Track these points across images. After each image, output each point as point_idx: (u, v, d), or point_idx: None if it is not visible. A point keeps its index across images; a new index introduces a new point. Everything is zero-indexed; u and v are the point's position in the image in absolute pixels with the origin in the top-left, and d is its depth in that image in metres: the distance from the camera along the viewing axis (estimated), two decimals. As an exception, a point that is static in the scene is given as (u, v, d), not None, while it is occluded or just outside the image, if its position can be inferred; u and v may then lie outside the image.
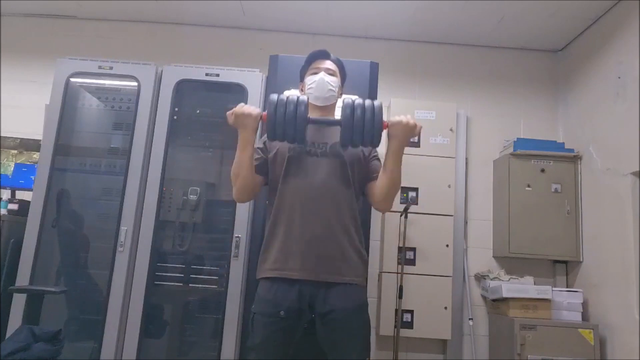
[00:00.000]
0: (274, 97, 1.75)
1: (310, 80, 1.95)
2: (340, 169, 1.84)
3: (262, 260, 1.84)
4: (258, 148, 1.93)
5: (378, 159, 1.93)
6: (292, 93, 1.84)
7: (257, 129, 1.80)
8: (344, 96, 1.86)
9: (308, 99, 1.81)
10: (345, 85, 2.09)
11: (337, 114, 2.06)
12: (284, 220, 1.80)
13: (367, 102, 1.74)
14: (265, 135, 1.96)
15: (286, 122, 1.71)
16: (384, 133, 1.78)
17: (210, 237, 2.83)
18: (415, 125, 1.76)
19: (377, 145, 1.80)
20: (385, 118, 1.78)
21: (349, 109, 1.71)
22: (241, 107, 1.78)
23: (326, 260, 1.76)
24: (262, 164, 1.90)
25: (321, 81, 1.91)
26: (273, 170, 1.89)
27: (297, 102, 1.72)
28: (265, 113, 1.76)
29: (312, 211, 1.78)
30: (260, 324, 1.75)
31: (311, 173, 1.82)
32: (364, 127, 1.70)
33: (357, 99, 1.74)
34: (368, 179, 1.89)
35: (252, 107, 1.79)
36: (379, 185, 1.83)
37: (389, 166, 1.79)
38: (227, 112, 1.80)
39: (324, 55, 2.00)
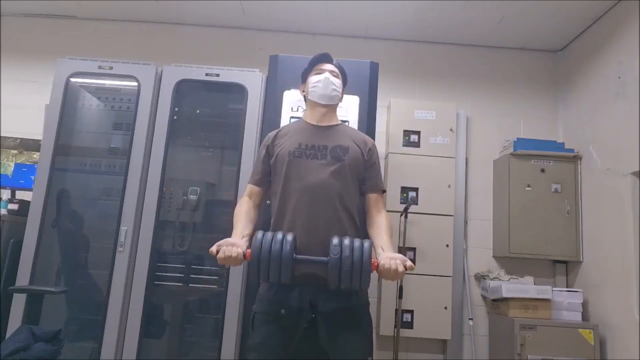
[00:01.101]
0: (259, 235, 1.64)
1: (314, 79, 1.96)
2: (341, 171, 1.85)
3: None
4: (261, 156, 1.96)
5: (376, 162, 1.96)
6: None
7: (242, 262, 1.69)
8: (332, 237, 1.68)
9: (295, 236, 1.66)
10: (346, 86, 2.09)
11: (339, 115, 2.07)
12: (285, 222, 1.81)
13: (356, 242, 1.62)
14: (268, 138, 1.97)
15: (271, 262, 1.59)
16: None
17: (210, 237, 2.82)
18: (403, 272, 1.65)
19: (367, 288, 1.69)
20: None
21: (337, 249, 1.60)
22: (223, 253, 1.66)
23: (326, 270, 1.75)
24: (265, 175, 1.94)
25: (326, 80, 1.94)
26: (274, 173, 1.91)
27: (284, 241, 1.61)
28: (249, 251, 1.65)
29: (313, 213, 1.78)
30: (261, 323, 1.75)
31: (312, 176, 1.82)
32: (353, 267, 1.57)
33: (346, 239, 1.63)
34: (366, 184, 1.92)
35: (233, 249, 1.66)
36: (371, 228, 1.87)
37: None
38: (210, 250, 1.69)
39: (327, 58, 2.03)
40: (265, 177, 1.94)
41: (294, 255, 1.62)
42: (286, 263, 1.60)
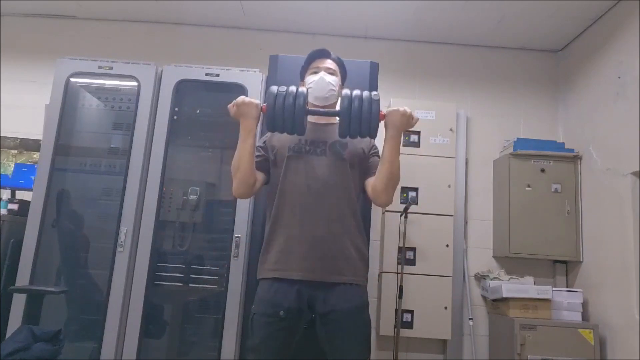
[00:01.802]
0: (274, 88, 1.76)
1: (310, 79, 1.94)
2: (340, 167, 1.84)
3: (262, 261, 1.84)
4: (259, 146, 1.92)
5: (378, 155, 1.92)
6: (293, 85, 1.84)
7: (259, 118, 1.80)
8: (343, 90, 1.85)
9: (307, 90, 1.82)
10: (345, 85, 2.09)
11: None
12: (284, 220, 1.80)
13: (365, 93, 1.76)
14: (267, 134, 1.96)
15: (285, 114, 1.73)
16: (382, 124, 1.79)
17: (210, 237, 2.83)
18: (411, 115, 1.78)
19: (375, 136, 1.79)
20: (386, 108, 1.79)
21: (347, 100, 1.74)
22: (242, 98, 1.80)
23: (326, 260, 1.75)
24: (263, 161, 1.91)
25: (321, 80, 1.91)
26: (273, 171, 1.90)
27: (296, 94, 1.74)
28: (265, 105, 1.77)
29: (312, 211, 1.78)
30: (260, 324, 1.74)
31: (311, 172, 1.82)
32: (362, 117, 1.72)
33: (356, 91, 1.76)
34: (367, 175, 1.89)
35: (252, 100, 1.80)
36: (378, 176, 1.82)
37: (387, 155, 1.78)
38: (229, 105, 1.81)
39: (324, 54, 2.00)
40: (263, 162, 1.90)
41: (306, 107, 1.75)
42: (299, 113, 1.72)
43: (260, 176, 1.88)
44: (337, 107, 2.04)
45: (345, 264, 1.78)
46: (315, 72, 1.95)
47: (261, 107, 1.79)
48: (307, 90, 1.94)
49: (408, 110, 1.77)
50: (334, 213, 1.79)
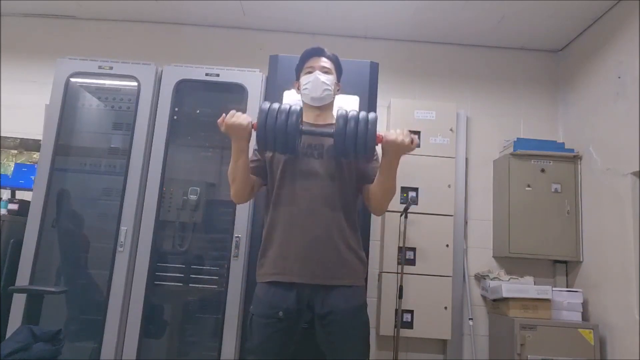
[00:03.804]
0: (266, 105, 1.67)
1: (305, 80, 1.92)
2: (337, 170, 1.83)
3: (260, 265, 1.84)
4: (255, 150, 1.91)
5: (377, 160, 1.90)
6: (289, 100, 1.81)
7: (250, 137, 1.74)
8: (338, 108, 1.77)
9: (301, 108, 1.73)
10: (345, 86, 2.08)
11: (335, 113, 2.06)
12: (281, 223, 1.79)
13: (362, 114, 1.67)
14: None
15: (277, 133, 1.63)
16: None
17: (210, 237, 2.83)
18: (410, 144, 1.69)
19: (371, 159, 1.77)
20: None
21: (342, 120, 1.65)
22: (231, 117, 1.71)
23: (324, 263, 1.75)
24: (260, 166, 1.89)
25: (316, 81, 1.89)
26: (270, 173, 1.88)
27: (289, 112, 1.64)
28: (255, 122, 1.69)
29: (309, 214, 1.77)
30: (259, 325, 1.74)
31: (308, 175, 1.81)
32: (357, 139, 1.63)
33: (352, 111, 1.67)
34: (364, 181, 1.88)
35: (242, 116, 1.71)
36: (373, 192, 1.82)
37: (382, 179, 1.77)
38: (218, 120, 1.73)
39: (318, 52, 1.97)
40: (259, 167, 1.89)
41: (300, 126, 1.65)
42: (292, 132, 1.62)
43: (257, 181, 1.88)
44: (334, 107, 2.04)
45: (343, 267, 1.78)
46: (310, 72, 1.92)
47: (252, 125, 1.70)
48: (302, 91, 1.93)
49: (407, 139, 1.69)
50: (330, 216, 1.78)
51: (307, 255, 1.74)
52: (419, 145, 3.13)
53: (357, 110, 1.69)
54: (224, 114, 1.73)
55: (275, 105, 1.66)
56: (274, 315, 1.72)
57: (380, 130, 1.72)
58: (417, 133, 3.25)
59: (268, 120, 1.63)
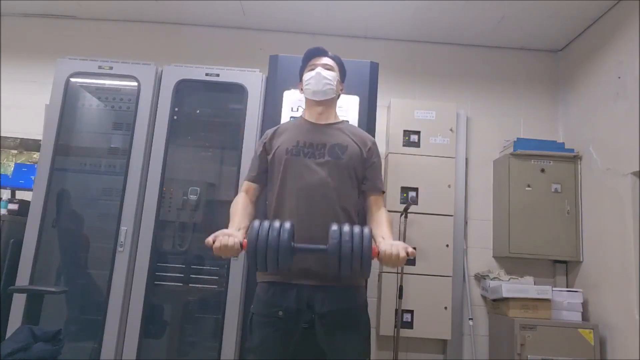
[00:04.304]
0: (255, 224, 1.58)
1: (307, 76, 1.93)
2: (339, 170, 1.82)
3: None
4: (257, 152, 1.93)
5: (376, 163, 1.93)
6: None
7: (240, 251, 1.66)
8: (331, 224, 1.62)
9: (292, 224, 1.60)
10: (346, 86, 2.08)
11: (338, 112, 2.06)
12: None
13: (356, 228, 1.57)
14: (266, 135, 1.96)
15: (268, 252, 1.53)
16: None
17: (210, 237, 2.83)
18: (405, 259, 1.62)
19: (368, 277, 1.68)
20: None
21: (336, 235, 1.55)
22: (219, 243, 1.61)
23: (324, 263, 1.74)
24: (262, 172, 1.91)
25: (318, 75, 1.89)
26: (272, 171, 1.88)
27: (281, 230, 1.55)
28: (245, 241, 1.60)
29: (310, 214, 1.76)
30: (259, 324, 1.74)
31: (309, 175, 1.80)
32: (353, 254, 1.52)
33: (345, 226, 1.58)
34: (365, 183, 1.89)
35: (230, 239, 1.62)
36: (371, 223, 1.84)
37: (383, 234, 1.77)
38: (206, 241, 1.63)
39: (320, 52, 1.98)
40: (262, 174, 1.91)
41: (292, 243, 1.57)
42: (284, 251, 1.54)
43: (260, 188, 1.92)
44: (338, 109, 2.03)
45: None
46: (312, 69, 1.93)
47: (241, 244, 1.62)
48: (305, 88, 1.93)
49: (402, 254, 1.60)
50: (332, 216, 1.77)
51: (308, 255, 1.73)
52: (417, 131, 3.18)
53: (350, 225, 1.59)
54: (211, 237, 1.63)
55: (266, 224, 1.57)
56: (274, 314, 1.72)
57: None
58: (417, 133, 3.25)
59: (259, 239, 1.54)
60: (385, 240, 1.71)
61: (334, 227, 1.58)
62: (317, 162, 1.83)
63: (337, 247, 1.54)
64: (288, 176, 1.82)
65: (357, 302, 1.79)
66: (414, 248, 3.12)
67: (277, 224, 1.57)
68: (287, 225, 1.58)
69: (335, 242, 1.54)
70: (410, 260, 3.10)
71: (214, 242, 1.61)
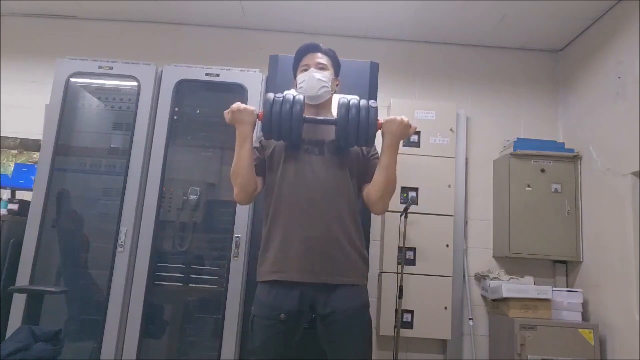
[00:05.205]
0: (270, 95, 1.77)
1: (300, 78, 1.91)
2: (338, 167, 1.82)
3: (260, 263, 1.82)
4: (255, 148, 1.89)
5: (377, 158, 1.89)
6: (290, 92, 1.83)
7: (255, 124, 1.80)
8: (339, 96, 1.86)
9: (304, 97, 1.81)
10: (345, 86, 2.07)
11: (334, 109, 2.05)
12: (281, 221, 1.78)
13: (362, 101, 1.76)
14: (261, 135, 1.95)
15: (282, 121, 1.73)
16: (379, 133, 1.79)
17: (210, 237, 2.83)
18: (409, 124, 1.79)
19: (372, 145, 1.83)
20: (384, 117, 1.79)
21: (344, 108, 1.74)
22: (237, 104, 1.81)
23: (326, 261, 1.74)
24: (260, 163, 1.88)
25: (311, 79, 1.87)
26: (270, 170, 1.87)
27: (293, 101, 1.74)
28: (261, 112, 1.78)
29: (310, 211, 1.76)
30: (260, 327, 1.73)
31: (308, 172, 1.80)
32: (359, 126, 1.72)
33: (353, 99, 1.76)
34: (365, 179, 1.87)
35: (248, 105, 1.81)
36: (374, 183, 1.81)
37: (384, 162, 1.78)
38: (225, 112, 1.81)
39: (313, 48, 1.95)
40: (260, 165, 1.88)
41: (303, 115, 1.74)
42: (296, 121, 1.72)
43: (259, 180, 1.87)
44: (333, 106, 2.03)
45: (345, 264, 1.77)
46: (305, 70, 1.91)
47: (257, 114, 1.79)
48: (299, 90, 1.92)
49: (405, 119, 1.78)
50: (331, 213, 1.77)
51: (308, 252, 1.73)
52: (417, 131, 3.20)
53: (358, 98, 1.77)
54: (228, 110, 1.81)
55: (280, 95, 1.76)
56: (275, 317, 1.70)
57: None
58: (417, 133, 3.25)
59: (273, 109, 1.73)
60: None
61: (342, 100, 1.76)
62: (316, 158, 1.83)
63: (345, 118, 1.73)
64: (287, 173, 1.81)
65: (359, 302, 1.78)
66: (414, 248, 3.13)
67: (289, 96, 1.75)
68: (299, 97, 1.77)
69: (343, 113, 1.73)
70: (410, 260, 3.11)
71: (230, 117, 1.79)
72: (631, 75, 2.78)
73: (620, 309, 2.76)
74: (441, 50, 3.68)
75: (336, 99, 1.87)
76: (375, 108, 1.76)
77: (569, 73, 3.52)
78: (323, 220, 1.76)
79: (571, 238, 3.17)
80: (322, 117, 1.86)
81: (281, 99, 1.75)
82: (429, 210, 3.17)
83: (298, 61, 1.96)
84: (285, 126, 1.73)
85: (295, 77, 1.97)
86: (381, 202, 1.82)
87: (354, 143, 1.78)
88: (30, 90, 3.51)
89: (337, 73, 1.99)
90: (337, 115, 1.75)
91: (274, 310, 1.71)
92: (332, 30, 3.59)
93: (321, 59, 1.93)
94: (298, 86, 1.92)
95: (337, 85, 1.99)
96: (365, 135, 1.75)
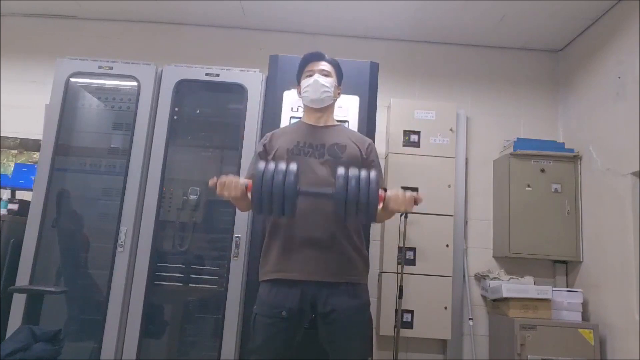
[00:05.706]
0: (261, 166, 1.58)
1: (304, 83, 1.95)
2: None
3: (262, 264, 1.85)
4: (258, 153, 1.94)
5: (375, 161, 1.93)
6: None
7: (244, 193, 1.68)
8: (337, 168, 1.64)
9: (298, 167, 1.62)
10: (345, 86, 2.09)
11: (337, 115, 2.06)
12: (283, 222, 1.80)
13: (363, 173, 1.56)
14: (266, 137, 1.97)
15: (274, 196, 1.53)
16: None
17: (210, 237, 2.83)
18: (412, 199, 1.65)
19: (374, 221, 1.67)
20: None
21: (342, 179, 1.54)
22: (223, 178, 1.67)
23: (327, 260, 1.76)
24: None
25: (315, 83, 1.91)
26: None
27: (286, 173, 1.54)
28: (250, 183, 1.60)
29: (310, 213, 1.77)
30: (262, 325, 1.75)
31: (310, 175, 1.81)
32: (359, 201, 1.52)
33: (352, 170, 1.57)
34: None
35: (235, 180, 1.68)
36: None
37: (378, 219, 1.72)
38: (210, 182, 1.68)
39: (317, 57, 2.00)
40: None
41: (298, 187, 1.56)
42: (289, 195, 1.53)
43: None
44: (337, 109, 2.04)
45: (346, 264, 1.78)
46: (310, 75, 1.95)
47: (246, 186, 1.64)
48: (302, 95, 1.95)
49: (408, 195, 1.65)
50: (332, 214, 1.78)
51: (310, 253, 1.75)
52: (417, 131, 3.18)
53: (358, 169, 1.59)
54: (214, 178, 1.68)
55: (271, 167, 1.57)
56: (277, 314, 1.72)
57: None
58: (417, 133, 3.25)
59: (264, 180, 1.53)
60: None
61: (340, 171, 1.57)
62: (317, 161, 1.85)
63: (343, 191, 1.52)
64: None
65: (360, 301, 1.79)
66: (414, 248, 3.13)
67: (282, 166, 1.56)
68: (293, 167, 1.56)
69: (341, 186, 1.53)
70: (410, 260, 3.11)
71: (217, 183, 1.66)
72: (631, 75, 2.78)
73: (620, 309, 2.76)
74: (441, 50, 3.68)
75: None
76: (376, 179, 1.56)
77: (569, 73, 3.52)
78: (324, 222, 1.77)
79: (571, 238, 3.17)
80: (318, 190, 1.68)
81: (272, 169, 1.55)
82: (429, 210, 3.17)
83: (302, 68, 2.00)
84: (278, 201, 1.53)
85: (299, 83, 2.01)
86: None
87: (354, 219, 1.59)
88: (30, 90, 3.51)
89: (339, 82, 2.04)
90: (335, 188, 1.56)
91: (276, 308, 1.73)
92: (332, 30, 3.59)
93: (325, 66, 1.98)
94: (302, 90, 1.96)
95: (338, 93, 2.03)
96: (366, 211, 1.53)
